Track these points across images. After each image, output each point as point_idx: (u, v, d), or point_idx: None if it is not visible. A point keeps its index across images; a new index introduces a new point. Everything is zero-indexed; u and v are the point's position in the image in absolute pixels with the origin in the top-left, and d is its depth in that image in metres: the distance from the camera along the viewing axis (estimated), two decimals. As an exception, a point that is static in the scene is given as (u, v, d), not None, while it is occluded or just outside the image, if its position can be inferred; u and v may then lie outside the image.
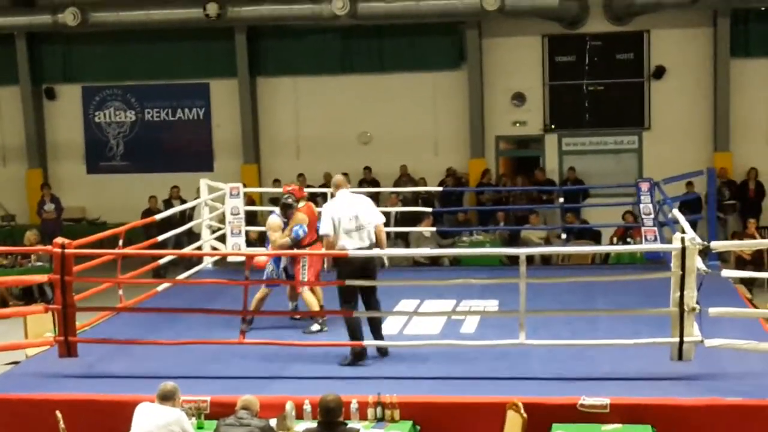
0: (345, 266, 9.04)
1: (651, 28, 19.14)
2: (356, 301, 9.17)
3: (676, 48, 19.10)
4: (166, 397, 7.29)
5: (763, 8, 18.54)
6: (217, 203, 13.96)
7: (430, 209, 16.46)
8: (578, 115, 19.70)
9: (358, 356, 8.94)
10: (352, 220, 9.19)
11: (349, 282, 8.97)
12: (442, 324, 10.24)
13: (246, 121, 20.28)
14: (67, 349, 9.08)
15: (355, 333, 9.03)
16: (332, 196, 9.66)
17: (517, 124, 19.78)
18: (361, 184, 19.03)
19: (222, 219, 13.81)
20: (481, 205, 18.77)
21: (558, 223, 17.50)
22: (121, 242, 10.89)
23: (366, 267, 9.12)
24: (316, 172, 19.49)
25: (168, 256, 12.77)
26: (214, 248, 13.68)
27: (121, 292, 10.51)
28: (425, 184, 18.69)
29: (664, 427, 7.38)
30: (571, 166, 19.29)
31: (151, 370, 8.69)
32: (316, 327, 10.12)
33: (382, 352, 9.12)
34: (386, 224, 17.09)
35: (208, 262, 13.69)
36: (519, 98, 19.63)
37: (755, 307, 11.12)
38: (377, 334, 9.18)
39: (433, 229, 15.93)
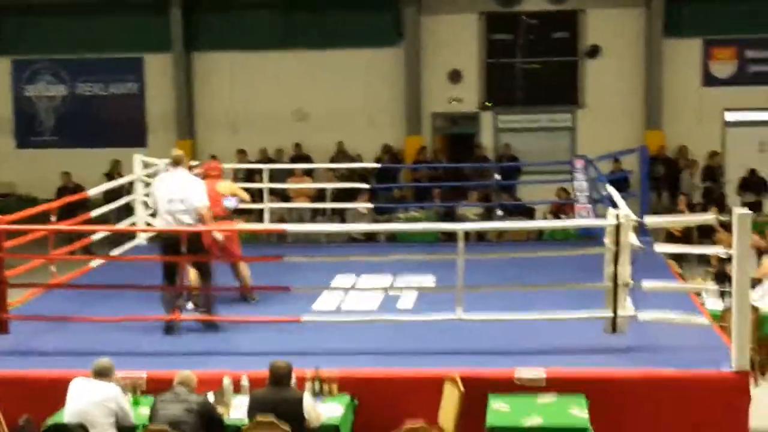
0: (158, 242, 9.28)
1: (586, 7, 19.34)
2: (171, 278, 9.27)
3: (610, 27, 19.31)
4: (102, 373, 7.23)
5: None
6: (151, 179, 13.77)
7: (366, 185, 16.47)
8: (514, 93, 19.83)
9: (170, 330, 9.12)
10: (173, 201, 9.21)
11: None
12: (380, 299, 10.26)
13: (181, 96, 20.06)
14: (-1, 325, 8.92)
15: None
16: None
17: (453, 102, 19.85)
18: (293, 160, 18.96)
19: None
20: (416, 182, 18.83)
21: (493, 200, 17.66)
22: (53, 218, 10.70)
23: (174, 245, 9.11)
24: (252, 147, 19.38)
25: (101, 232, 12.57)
26: (149, 224, 13.51)
27: (53, 268, 10.35)
28: (361, 161, 18.68)
29: (598, 397, 7.50)
30: (506, 143, 19.43)
31: (86, 347, 8.60)
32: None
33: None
34: (323, 200, 17.31)
35: (142, 239, 13.53)
36: (455, 76, 19.70)
37: (685, 281, 11.36)
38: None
39: (370, 205, 15.95)
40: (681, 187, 18.07)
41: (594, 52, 19.33)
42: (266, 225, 14.03)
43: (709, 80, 19.31)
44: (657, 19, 18.84)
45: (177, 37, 19.81)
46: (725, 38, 19.17)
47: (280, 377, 7.08)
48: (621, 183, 16.49)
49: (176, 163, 9.61)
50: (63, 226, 10.69)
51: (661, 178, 18.25)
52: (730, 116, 19.40)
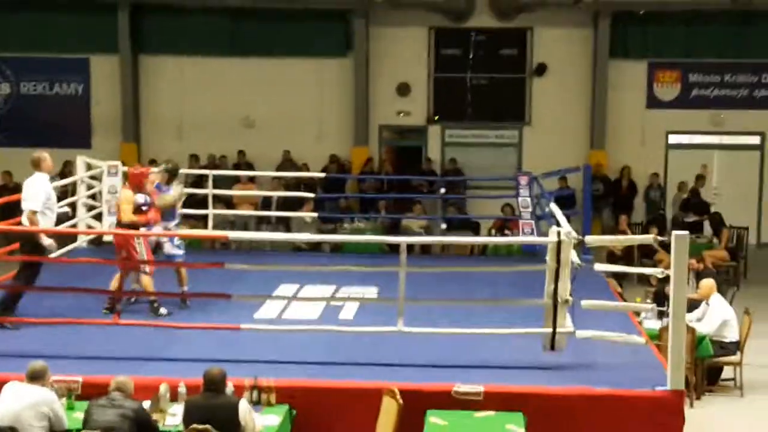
0: None
1: (534, 25, 19.53)
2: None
3: (557, 46, 19.52)
4: (36, 377, 7.10)
5: (641, 12, 19.09)
6: (94, 181, 13.63)
7: (312, 195, 16.44)
8: (461, 107, 19.96)
9: None
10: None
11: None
12: (321, 309, 10.24)
13: (126, 99, 19.87)
14: (-69, 326, 8.75)
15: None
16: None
17: (401, 114, 19.91)
18: (237, 166, 18.88)
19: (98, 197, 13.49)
20: (363, 193, 18.83)
21: (439, 213, 17.74)
22: (-8, 217, 10.53)
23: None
24: (198, 153, 19.26)
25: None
26: (90, 227, 13.36)
27: (-10, 268, 10.19)
28: (308, 170, 18.65)
29: (536, 414, 7.55)
30: (452, 158, 19.53)
31: (21, 349, 8.45)
32: (164, 310, 9.98)
33: None
34: (268, 208, 17.24)
35: (82, 241, 13.37)
36: (404, 89, 19.76)
37: (625, 300, 11.49)
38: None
39: (315, 214, 15.92)
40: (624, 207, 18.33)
41: (541, 70, 19.53)
42: (209, 231, 13.93)
43: (653, 102, 19.61)
44: (604, 40, 19.10)
45: (124, 38, 19.62)
46: (670, 61, 19.48)
47: (214, 384, 7.01)
48: (566, 200, 16.66)
49: (33, 164, 9.85)
50: (2, 226, 10.49)
51: (600, 197, 18.48)
52: (673, 138, 19.71)
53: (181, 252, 10.37)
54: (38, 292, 9.89)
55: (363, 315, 9.99)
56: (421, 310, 9.46)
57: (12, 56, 20.24)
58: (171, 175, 10.52)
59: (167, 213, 10.38)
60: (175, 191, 10.51)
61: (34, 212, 9.51)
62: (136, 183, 10.11)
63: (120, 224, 10.10)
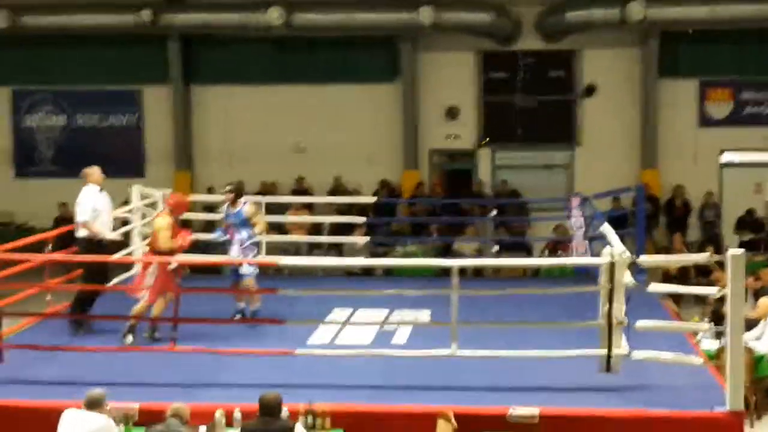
0: None
1: (582, 47, 19.46)
2: None
3: (606, 67, 19.43)
4: (93, 404, 7.21)
5: (691, 31, 18.95)
6: (149, 209, 13.80)
7: (363, 219, 16.50)
8: (511, 130, 19.91)
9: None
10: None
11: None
12: (375, 333, 10.25)
13: (179, 128, 20.13)
14: (-7, 354, 8.92)
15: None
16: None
17: (451, 138, 19.92)
18: (294, 193, 19.00)
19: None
20: (414, 216, 18.84)
21: (490, 235, 17.69)
22: (49, 247, 10.70)
23: None
24: (249, 180, 19.41)
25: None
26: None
27: (49, 297, 10.34)
28: (359, 195, 18.72)
29: (591, 437, 7.50)
30: (503, 179, 19.48)
31: (79, 377, 8.57)
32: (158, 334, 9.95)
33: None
34: (320, 233, 17.39)
35: (139, 269, 13.49)
36: (452, 112, 19.78)
37: (682, 320, 11.35)
38: None
39: (367, 239, 15.96)
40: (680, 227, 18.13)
41: (590, 91, 19.45)
42: (262, 257, 14.01)
43: (705, 121, 19.42)
44: (652, 59, 18.96)
45: (175, 69, 19.89)
46: (721, 79, 19.29)
47: (270, 409, 7.05)
48: (619, 221, 16.51)
49: (82, 178, 10.77)
50: (57, 256, 10.68)
51: (650, 217, 18.29)
52: (725, 157, 19.48)
53: (250, 271, 10.45)
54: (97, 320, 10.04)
55: (416, 338, 9.97)
56: (475, 333, 9.42)
57: (67, 89, 20.63)
58: (236, 195, 10.69)
59: (242, 230, 10.49)
60: (249, 210, 10.69)
61: (85, 222, 10.41)
62: (177, 208, 10.25)
63: (156, 251, 10.09)
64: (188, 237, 10.25)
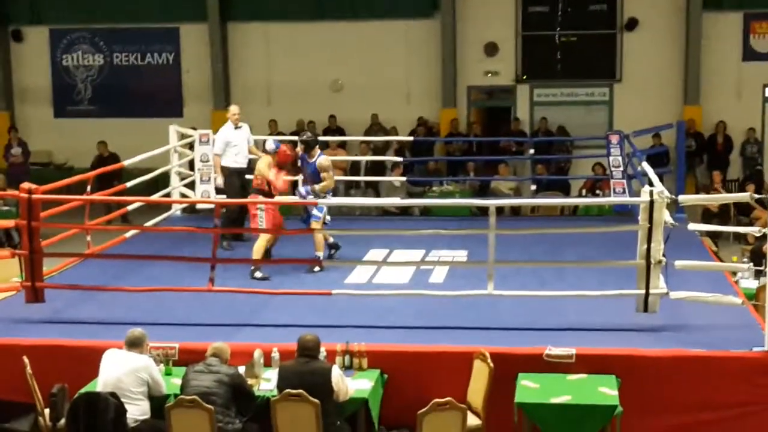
0: None
1: (624, -21, 19.10)
2: None
3: (648, 0, 19.06)
4: (134, 344, 7.32)
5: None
6: (186, 150, 13.85)
7: (400, 159, 16.44)
8: (550, 66, 19.64)
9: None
10: None
11: None
12: (411, 273, 10.27)
13: (216, 66, 20.08)
14: (34, 294, 9.04)
15: None
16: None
17: (489, 75, 19.72)
18: (327, 132, 18.96)
19: (191, 166, 13.71)
20: (450, 155, 18.75)
21: (528, 174, 17.58)
22: (89, 188, 10.79)
23: None
24: (287, 118, 19.41)
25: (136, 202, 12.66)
26: (183, 195, 13.60)
27: (89, 238, 10.45)
28: (396, 134, 18.63)
29: (629, 377, 7.48)
30: (543, 117, 19.29)
31: (119, 317, 8.69)
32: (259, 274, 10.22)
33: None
34: (357, 173, 17.41)
35: (176, 209, 13.62)
36: (491, 48, 19.55)
37: (720, 260, 11.26)
38: None
39: (404, 178, 15.92)
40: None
41: (632, 25, 19.10)
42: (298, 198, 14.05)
43: (750, 55, 19.01)
44: (696, -9, 18.58)
45: (213, 7, 19.80)
46: (766, 12, 18.85)
47: (308, 350, 7.12)
48: (660, 158, 16.35)
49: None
50: (97, 197, 10.76)
51: (694, 154, 18.08)
52: (770, 91, 19.13)
53: (318, 214, 10.41)
54: (145, 260, 10.14)
55: (453, 278, 9.98)
56: (512, 273, 9.43)
57: (104, 27, 20.63)
58: (308, 145, 10.57)
59: (313, 179, 10.53)
60: (323, 164, 10.53)
61: (217, 155, 11.98)
62: (281, 158, 10.55)
63: (260, 191, 10.64)
64: (285, 178, 10.64)
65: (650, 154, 14.33)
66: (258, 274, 10.17)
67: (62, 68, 20.93)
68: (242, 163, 12.07)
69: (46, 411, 7.43)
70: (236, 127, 12.01)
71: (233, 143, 11.97)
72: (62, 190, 10.19)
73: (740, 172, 18.38)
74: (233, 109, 12.18)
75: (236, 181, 11.92)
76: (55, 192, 9.77)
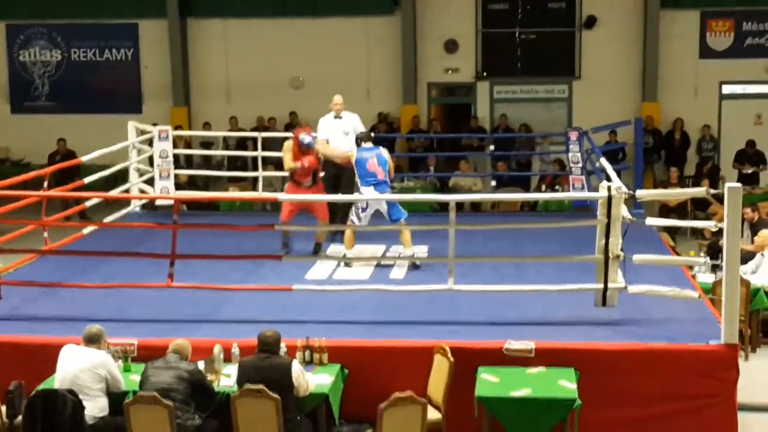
0: None
1: (582, -23, 19.22)
2: None
3: (607, -2, 19.24)
4: (92, 340, 7.26)
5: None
6: (145, 146, 13.75)
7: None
8: (510, 63, 19.73)
9: None
10: None
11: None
12: (372, 269, 10.28)
13: (176, 63, 19.94)
14: (-9, 291, 8.94)
15: None
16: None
17: (450, 71, 19.78)
18: (287, 128, 18.88)
19: (151, 162, 13.62)
20: (411, 151, 18.78)
21: (488, 170, 17.66)
22: (46, 184, 10.67)
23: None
24: (247, 115, 19.33)
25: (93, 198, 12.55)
26: (142, 191, 13.50)
27: (46, 234, 10.33)
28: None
29: (588, 370, 7.54)
30: (503, 113, 19.37)
31: (77, 313, 8.62)
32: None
33: None
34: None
35: (135, 206, 13.51)
36: (451, 45, 19.61)
37: (678, 254, 11.38)
38: None
39: (364, 174, 15.86)
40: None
41: (591, 22, 19.23)
42: (259, 193, 14.02)
43: (706, 52, 19.23)
44: (655, -11, 18.75)
45: (172, 3, 19.65)
46: (722, 10, 19.08)
47: (268, 345, 7.11)
48: (616, 155, 16.49)
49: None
50: (54, 192, 10.66)
51: (652, 150, 18.26)
52: (726, 89, 19.35)
53: (405, 212, 10.49)
54: (104, 256, 10.04)
55: (413, 274, 10.01)
56: (472, 268, 9.47)
57: (62, 23, 20.41)
58: (360, 141, 10.64)
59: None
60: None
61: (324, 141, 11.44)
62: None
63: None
64: (308, 161, 10.71)
65: (607, 151, 14.44)
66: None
67: (19, 64, 20.69)
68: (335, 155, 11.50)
69: (2, 408, 7.36)
70: (336, 117, 11.54)
71: (329, 133, 11.55)
72: (19, 186, 10.07)
73: (696, 169, 18.58)
74: (335, 98, 11.70)
75: (330, 170, 11.54)
76: (11, 188, 9.67)
